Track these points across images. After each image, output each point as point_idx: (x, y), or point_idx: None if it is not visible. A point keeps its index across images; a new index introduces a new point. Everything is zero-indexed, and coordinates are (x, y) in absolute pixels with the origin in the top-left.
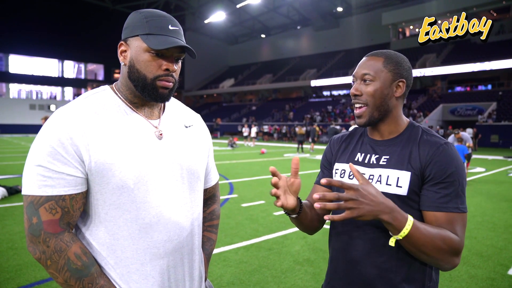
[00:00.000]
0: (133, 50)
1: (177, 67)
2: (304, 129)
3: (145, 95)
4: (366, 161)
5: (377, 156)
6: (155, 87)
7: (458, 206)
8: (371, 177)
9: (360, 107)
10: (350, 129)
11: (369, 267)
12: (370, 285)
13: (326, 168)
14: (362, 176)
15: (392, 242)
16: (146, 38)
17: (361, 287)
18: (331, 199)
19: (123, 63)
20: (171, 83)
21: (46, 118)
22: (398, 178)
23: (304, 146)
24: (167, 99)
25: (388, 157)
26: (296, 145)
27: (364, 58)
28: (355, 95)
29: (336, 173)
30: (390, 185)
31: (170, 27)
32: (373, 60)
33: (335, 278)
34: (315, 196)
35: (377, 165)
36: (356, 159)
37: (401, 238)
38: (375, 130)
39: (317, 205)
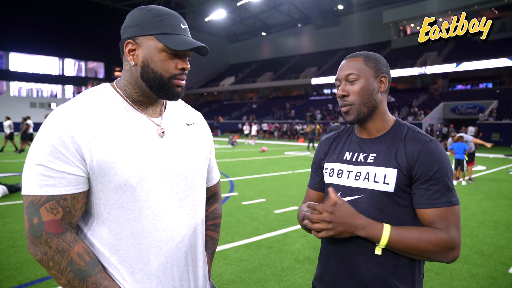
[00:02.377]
0: (146, 50)
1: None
2: (312, 126)
3: (162, 94)
4: (354, 160)
5: (364, 154)
6: (171, 86)
7: (450, 200)
8: (359, 174)
9: (347, 107)
10: None
11: (358, 262)
12: (360, 279)
13: (317, 171)
14: (338, 197)
15: (378, 250)
16: (162, 38)
17: (351, 281)
18: (310, 220)
19: (133, 63)
20: (184, 81)
21: None
22: (385, 175)
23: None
24: (181, 97)
25: (375, 155)
26: (302, 144)
27: (343, 61)
28: (343, 96)
29: (326, 172)
30: (378, 182)
31: (182, 26)
32: (354, 61)
33: (326, 272)
34: (305, 221)
35: (365, 163)
36: (344, 158)
37: (383, 247)
38: (363, 128)
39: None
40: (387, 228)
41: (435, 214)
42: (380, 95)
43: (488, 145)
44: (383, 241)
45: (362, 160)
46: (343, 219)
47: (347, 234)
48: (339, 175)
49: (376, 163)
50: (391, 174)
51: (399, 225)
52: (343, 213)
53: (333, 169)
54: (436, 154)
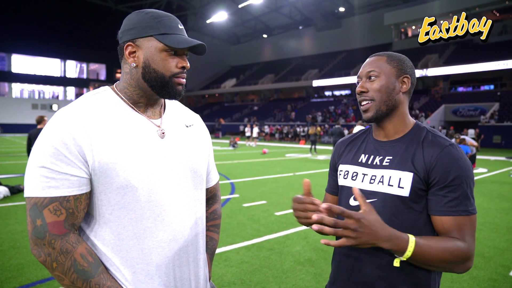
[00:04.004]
0: (147, 51)
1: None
2: (315, 129)
3: (164, 93)
4: (369, 162)
5: (381, 157)
6: (173, 84)
7: (467, 209)
8: (374, 177)
9: (366, 103)
10: (354, 129)
11: (371, 268)
12: (372, 286)
13: (332, 175)
14: (366, 202)
15: (396, 262)
16: (163, 38)
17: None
18: (329, 224)
19: (134, 65)
20: (185, 80)
21: (40, 118)
22: (400, 179)
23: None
24: (182, 95)
25: (391, 157)
26: (307, 146)
27: (367, 59)
28: (362, 92)
29: (340, 174)
30: (392, 186)
31: (179, 26)
32: (376, 59)
33: (339, 278)
34: (314, 217)
35: (380, 166)
36: (360, 160)
37: (405, 259)
38: (381, 129)
39: (315, 227)
40: (412, 240)
41: (451, 222)
42: (402, 96)
43: (475, 143)
44: (407, 253)
45: (378, 163)
46: (370, 228)
47: (368, 245)
48: (354, 178)
49: (391, 166)
50: (406, 178)
51: (412, 232)
52: (371, 222)
53: (348, 171)
54: (456, 159)
